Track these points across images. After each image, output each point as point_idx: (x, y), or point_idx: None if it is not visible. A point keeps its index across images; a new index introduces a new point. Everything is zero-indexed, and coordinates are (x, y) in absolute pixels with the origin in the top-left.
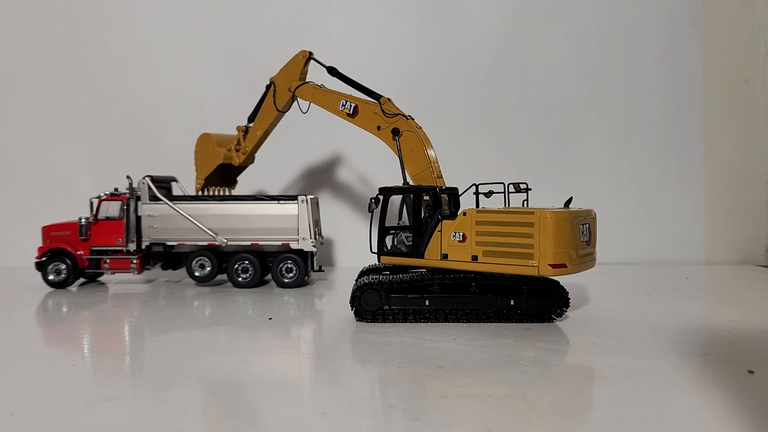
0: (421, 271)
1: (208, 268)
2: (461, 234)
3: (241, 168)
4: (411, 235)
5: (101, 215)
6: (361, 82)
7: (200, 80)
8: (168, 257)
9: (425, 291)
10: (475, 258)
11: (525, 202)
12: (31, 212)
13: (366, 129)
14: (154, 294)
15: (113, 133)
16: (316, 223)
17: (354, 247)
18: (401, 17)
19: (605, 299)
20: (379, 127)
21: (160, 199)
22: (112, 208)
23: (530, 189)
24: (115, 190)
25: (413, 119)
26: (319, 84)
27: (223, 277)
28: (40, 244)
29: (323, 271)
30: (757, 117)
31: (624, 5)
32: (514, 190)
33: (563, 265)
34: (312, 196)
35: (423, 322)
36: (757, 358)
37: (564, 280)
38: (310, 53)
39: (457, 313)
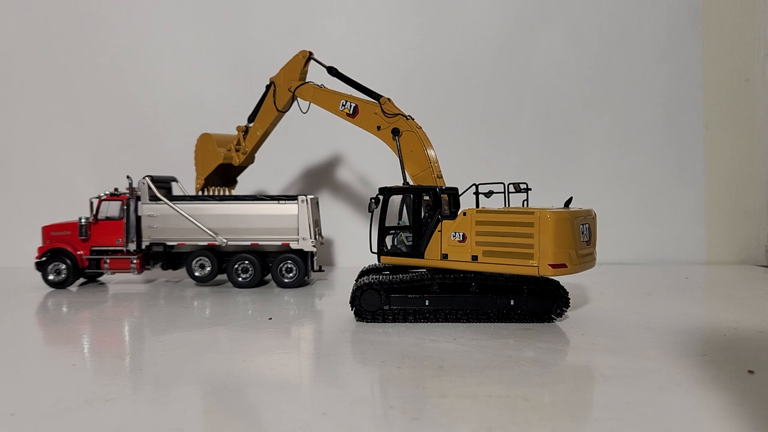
0: (421, 271)
1: (208, 268)
2: (461, 234)
3: (241, 168)
4: (411, 235)
5: (101, 215)
6: (361, 82)
7: (200, 80)
8: (168, 257)
9: (425, 291)
10: (475, 258)
11: (525, 202)
12: (31, 212)
13: (366, 129)
14: (154, 294)
15: (113, 133)
16: (316, 223)
17: (354, 247)
18: (401, 17)
19: (605, 299)
20: (379, 127)
21: (160, 199)
22: (112, 208)
23: (530, 189)
24: (115, 190)
25: (413, 119)
26: (319, 84)
27: (223, 277)
28: (40, 244)
29: (323, 271)
30: (757, 117)
31: (624, 5)
32: (514, 190)
33: (563, 265)
34: (312, 196)
35: (423, 322)
36: (757, 358)
37: (564, 280)
38: (310, 53)
39: (457, 313)
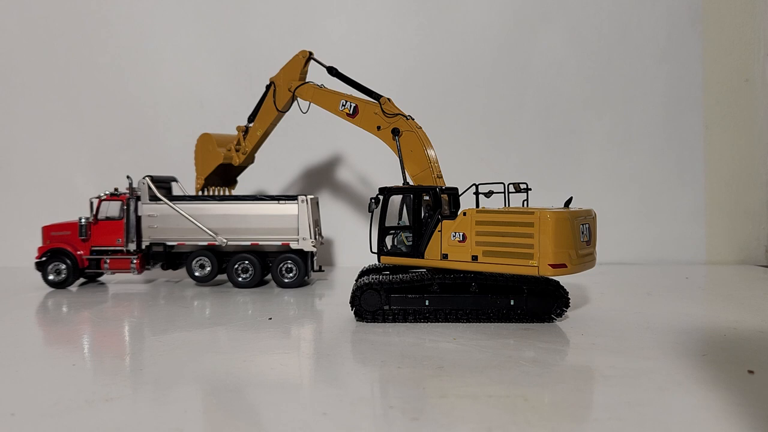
0: (421, 271)
1: (208, 268)
2: (461, 234)
3: (241, 168)
4: (411, 235)
5: (101, 215)
6: (361, 82)
7: (200, 80)
8: (168, 257)
9: (425, 291)
10: (475, 258)
11: (525, 202)
12: (31, 212)
13: (366, 129)
14: (154, 294)
15: (113, 133)
16: (316, 223)
17: (354, 247)
18: (401, 17)
19: (605, 299)
20: (379, 127)
21: (160, 199)
22: (112, 208)
23: (530, 189)
24: (115, 190)
25: (413, 119)
26: (319, 84)
27: (223, 277)
28: (40, 244)
29: (323, 271)
30: (757, 117)
31: (624, 5)
32: (514, 190)
33: (563, 265)
34: (312, 196)
35: (423, 322)
36: (757, 358)
37: (564, 280)
38: (310, 53)
39: (457, 313)
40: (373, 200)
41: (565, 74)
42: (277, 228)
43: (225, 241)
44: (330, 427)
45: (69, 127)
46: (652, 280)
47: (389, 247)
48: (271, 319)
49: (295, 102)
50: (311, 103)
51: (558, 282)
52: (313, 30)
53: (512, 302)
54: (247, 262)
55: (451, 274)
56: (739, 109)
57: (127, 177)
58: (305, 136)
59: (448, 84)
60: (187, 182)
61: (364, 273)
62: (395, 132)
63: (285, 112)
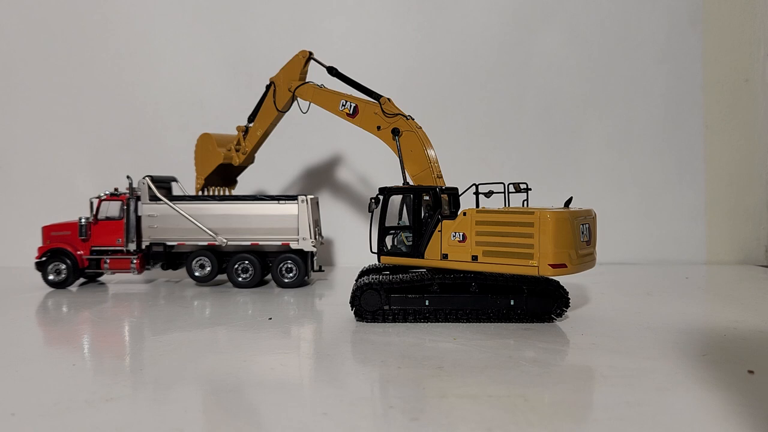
0: (421, 271)
1: (208, 268)
2: (461, 234)
3: (241, 168)
4: (411, 235)
5: (101, 215)
6: (361, 82)
7: (200, 80)
8: (168, 257)
9: (425, 291)
10: (475, 258)
11: (525, 202)
12: (31, 212)
13: (366, 129)
14: (154, 294)
15: (113, 133)
16: (316, 223)
17: (354, 247)
18: (401, 17)
19: (605, 299)
20: (379, 127)
21: (160, 199)
22: (112, 208)
23: (530, 189)
24: (115, 190)
25: (413, 119)
26: (319, 84)
27: (223, 277)
28: (40, 244)
29: (323, 271)
30: (757, 117)
31: (624, 5)
32: (514, 190)
33: (563, 265)
34: (312, 196)
35: (423, 322)
36: (757, 358)
37: (564, 280)
38: (310, 53)
39: (457, 313)
40: (373, 200)
41: (565, 74)
42: (277, 228)
43: (225, 241)
44: (330, 427)
45: (69, 127)
46: (652, 280)
47: (389, 247)
48: (271, 319)
49: (295, 102)
50: (311, 103)
51: (558, 282)
52: (313, 30)
53: (512, 302)
54: (247, 262)
55: (451, 274)
56: (739, 109)
57: (127, 177)
58: (305, 136)
59: (448, 84)
60: (187, 182)
61: (364, 273)
62: (395, 132)
63: (285, 112)
